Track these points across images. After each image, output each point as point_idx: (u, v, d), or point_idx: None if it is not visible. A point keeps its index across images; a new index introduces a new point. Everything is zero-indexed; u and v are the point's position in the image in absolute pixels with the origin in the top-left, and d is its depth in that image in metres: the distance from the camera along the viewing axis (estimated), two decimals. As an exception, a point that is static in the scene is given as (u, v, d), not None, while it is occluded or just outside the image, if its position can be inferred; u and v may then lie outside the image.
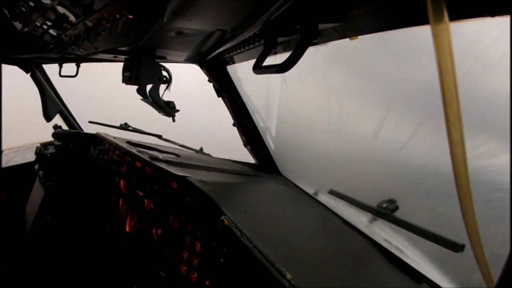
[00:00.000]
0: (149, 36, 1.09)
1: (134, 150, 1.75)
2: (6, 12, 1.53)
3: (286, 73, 1.16)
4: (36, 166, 2.31)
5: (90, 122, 2.57)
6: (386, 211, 1.32)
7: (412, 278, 1.16)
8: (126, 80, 1.48)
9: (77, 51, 1.49)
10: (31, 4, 1.24)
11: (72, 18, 1.15)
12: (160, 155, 1.69)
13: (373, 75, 1.32)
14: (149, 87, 1.54)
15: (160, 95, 1.60)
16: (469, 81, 0.84)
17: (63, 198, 2.18)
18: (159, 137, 2.40)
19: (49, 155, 2.35)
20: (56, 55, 1.90)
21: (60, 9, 1.12)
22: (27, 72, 2.42)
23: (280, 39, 0.96)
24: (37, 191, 2.20)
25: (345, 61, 1.29)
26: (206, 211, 1.15)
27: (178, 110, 1.68)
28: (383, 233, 1.36)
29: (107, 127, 2.45)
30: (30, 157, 2.53)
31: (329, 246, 1.26)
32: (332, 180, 1.62)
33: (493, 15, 0.58)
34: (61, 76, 2.28)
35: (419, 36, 0.76)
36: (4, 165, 2.47)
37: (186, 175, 1.32)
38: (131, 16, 0.96)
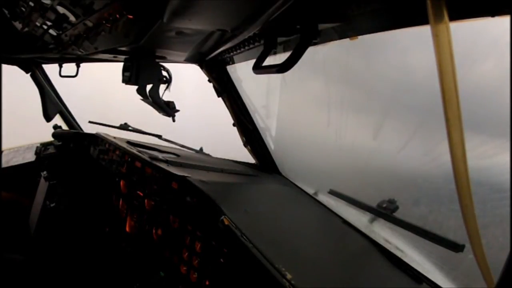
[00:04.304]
0: (149, 36, 1.09)
1: (134, 150, 1.75)
2: (6, 12, 1.53)
3: (286, 73, 1.16)
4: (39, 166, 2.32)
5: (90, 122, 2.57)
6: (386, 211, 1.32)
7: (412, 278, 1.16)
8: (126, 80, 1.48)
9: (77, 51, 1.49)
10: (31, 4, 1.24)
11: (72, 18, 1.15)
12: (160, 155, 1.69)
13: (373, 75, 1.32)
14: (149, 87, 1.54)
15: (160, 95, 1.60)
16: (469, 81, 0.84)
17: (63, 198, 2.18)
18: (159, 137, 2.40)
19: (50, 155, 2.36)
20: (56, 55, 1.90)
21: (60, 9, 1.12)
22: (27, 72, 2.42)
23: (280, 39, 0.96)
24: (41, 191, 2.20)
25: (345, 61, 1.29)
26: (206, 211, 1.15)
27: (178, 110, 1.68)
28: (383, 233, 1.36)
29: (107, 127, 2.45)
30: (30, 157, 2.53)
31: (329, 246, 1.26)
32: (332, 180, 1.62)
33: (493, 15, 0.58)
34: (61, 76, 2.29)
35: (419, 36, 0.76)
36: (4, 165, 2.47)
37: (186, 175, 1.32)
38: (131, 16, 0.96)
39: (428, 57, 0.60)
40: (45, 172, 2.21)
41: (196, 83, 2.14)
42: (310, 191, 1.75)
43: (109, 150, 2.00)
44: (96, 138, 2.26)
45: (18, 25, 1.59)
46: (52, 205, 2.09)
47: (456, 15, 0.58)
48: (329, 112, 1.49)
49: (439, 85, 0.54)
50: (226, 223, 1.04)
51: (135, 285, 1.51)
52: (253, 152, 2.06)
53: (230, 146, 2.17)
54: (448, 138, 0.55)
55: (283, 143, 1.93)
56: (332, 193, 1.58)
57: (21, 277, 1.86)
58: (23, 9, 1.36)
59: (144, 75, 1.48)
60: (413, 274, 1.17)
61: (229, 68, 1.74)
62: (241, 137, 2.02)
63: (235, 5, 0.82)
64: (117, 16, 0.99)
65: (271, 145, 1.97)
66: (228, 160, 2.18)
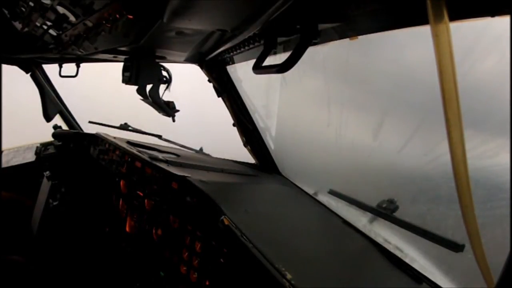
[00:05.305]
0: (149, 36, 1.09)
1: (134, 150, 1.75)
2: (6, 12, 1.53)
3: (286, 73, 1.16)
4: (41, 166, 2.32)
5: (90, 122, 2.57)
6: (386, 211, 1.32)
7: (412, 278, 1.16)
8: (126, 80, 1.48)
9: (77, 51, 1.49)
10: (31, 4, 1.23)
11: (72, 18, 1.15)
12: (160, 155, 1.69)
13: (373, 75, 1.32)
14: (149, 87, 1.54)
15: (160, 95, 1.60)
16: (469, 81, 0.84)
17: (63, 199, 2.18)
18: (159, 137, 2.40)
19: (50, 155, 2.36)
20: (56, 55, 1.90)
21: (60, 9, 1.12)
22: (27, 72, 2.42)
23: (280, 39, 0.96)
24: (44, 191, 2.20)
25: (345, 61, 1.29)
26: (206, 211, 1.15)
27: (178, 110, 1.68)
28: (383, 233, 1.36)
29: (107, 127, 2.45)
30: (30, 157, 2.53)
31: (329, 246, 1.26)
32: (332, 180, 1.62)
33: (493, 15, 0.58)
34: (61, 76, 2.28)
35: (418, 36, 0.76)
36: (4, 165, 2.47)
37: (186, 175, 1.32)
38: (131, 16, 0.96)
39: (428, 57, 0.60)
40: (47, 172, 2.21)
41: (196, 83, 2.14)
42: (310, 191, 1.74)
43: (109, 150, 2.00)
44: (96, 138, 2.26)
45: (18, 25, 1.59)
46: (54, 203, 2.10)
47: (456, 15, 0.58)
48: (329, 112, 1.49)
49: (439, 85, 0.54)
50: (226, 223, 1.04)
51: (135, 285, 1.52)
52: (253, 152, 2.05)
53: (230, 146, 2.17)
54: (448, 138, 0.55)
55: (283, 143, 1.93)
56: (332, 193, 1.58)
57: (22, 278, 1.86)
58: (23, 9, 1.36)
59: (144, 75, 1.48)
60: (413, 274, 1.17)
61: (229, 68, 1.74)
62: (241, 137, 2.02)
63: (235, 5, 0.82)
64: (117, 16, 0.99)
65: (271, 145, 1.97)
66: (228, 160, 2.18)
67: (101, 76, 2.91)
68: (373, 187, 1.44)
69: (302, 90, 1.66)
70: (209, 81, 1.84)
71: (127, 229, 1.64)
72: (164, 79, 1.58)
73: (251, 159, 2.13)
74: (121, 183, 1.75)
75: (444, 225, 1.12)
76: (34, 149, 2.49)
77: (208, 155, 2.35)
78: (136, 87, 1.52)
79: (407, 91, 1.22)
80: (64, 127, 2.67)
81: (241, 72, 1.74)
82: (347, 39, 0.94)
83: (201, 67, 1.76)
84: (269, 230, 1.16)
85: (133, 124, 2.52)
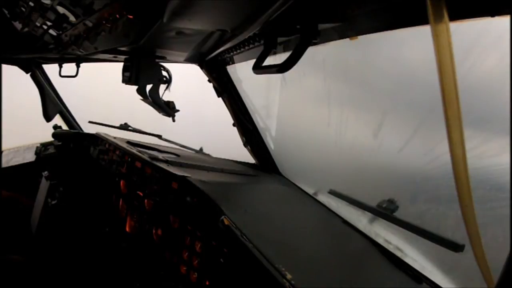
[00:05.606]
0: (149, 36, 1.09)
1: (134, 150, 1.75)
2: (6, 12, 1.53)
3: (286, 73, 1.16)
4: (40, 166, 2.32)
5: (90, 122, 2.57)
6: (386, 211, 1.31)
7: (412, 278, 1.16)
8: (126, 80, 1.48)
9: (77, 51, 1.49)
10: (31, 4, 1.24)
11: (72, 18, 1.15)
12: (160, 155, 1.69)
13: (373, 75, 1.32)
14: (149, 87, 1.54)
15: (160, 95, 1.60)
16: (469, 81, 0.84)
17: (63, 199, 2.18)
18: (159, 137, 2.40)
19: (50, 155, 2.36)
20: (56, 55, 1.90)
21: (60, 9, 1.12)
22: (27, 72, 2.42)
23: (280, 39, 0.96)
24: (43, 191, 2.21)
25: (345, 61, 1.29)
26: (206, 211, 1.15)
27: (178, 110, 1.68)
28: (383, 233, 1.36)
29: (107, 127, 2.45)
30: (30, 157, 2.53)
31: (329, 246, 1.26)
32: (332, 180, 1.62)
33: (493, 15, 0.58)
34: (61, 76, 2.29)
35: (418, 36, 0.76)
36: (4, 165, 2.47)
37: (186, 175, 1.32)
38: (131, 16, 0.96)
39: (428, 57, 0.60)
40: (46, 172, 2.21)
41: (196, 83, 2.14)
42: (310, 191, 1.74)
43: (109, 150, 2.00)
44: (96, 138, 2.27)
45: (18, 25, 1.59)
46: (53, 202, 2.10)
47: (456, 15, 0.58)
48: (329, 112, 1.49)
49: (439, 85, 0.54)
50: (226, 223, 1.04)
51: (135, 285, 1.52)
52: (253, 152, 2.05)
53: (230, 146, 2.17)
54: (448, 138, 0.55)
55: (283, 143, 1.93)
56: (332, 193, 1.58)
57: (22, 278, 1.86)
58: (23, 9, 1.36)
59: (144, 75, 1.48)
60: (413, 274, 1.17)
61: (229, 68, 1.74)
62: (241, 137, 2.02)
63: (235, 5, 0.82)
64: (117, 16, 0.99)
65: (271, 145, 1.97)
66: (228, 160, 2.18)
67: (101, 76, 2.91)
68: (373, 187, 1.44)
69: (302, 90, 1.65)
70: (209, 81, 1.84)
71: (127, 229, 1.64)
72: (164, 79, 1.58)
73: (251, 159, 2.13)
74: (121, 183, 1.75)
75: (444, 225, 1.12)
76: (34, 149, 2.49)
77: (208, 155, 2.35)
78: (136, 87, 1.52)
79: (407, 91, 1.22)
80: (64, 127, 2.67)
81: (241, 72, 1.74)
82: (347, 39, 0.94)
83: (201, 67, 1.76)
84: (269, 230, 1.16)
85: (133, 124, 2.52)
